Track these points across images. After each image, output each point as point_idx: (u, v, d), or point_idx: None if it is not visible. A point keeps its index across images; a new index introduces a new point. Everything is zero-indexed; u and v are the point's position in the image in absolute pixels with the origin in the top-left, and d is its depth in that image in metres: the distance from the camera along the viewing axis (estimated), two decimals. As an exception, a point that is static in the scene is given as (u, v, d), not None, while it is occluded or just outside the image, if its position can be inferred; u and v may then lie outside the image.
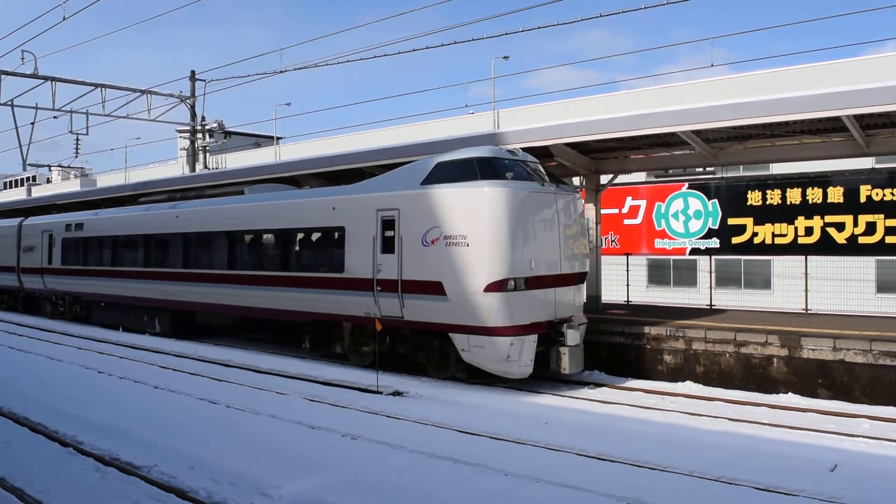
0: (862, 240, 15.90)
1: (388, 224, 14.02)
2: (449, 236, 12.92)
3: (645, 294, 24.12)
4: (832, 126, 13.75)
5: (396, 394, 12.84)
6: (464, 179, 12.99)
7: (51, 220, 27.61)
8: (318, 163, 20.28)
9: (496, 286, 12.50)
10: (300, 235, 16.84)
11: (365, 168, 18.47)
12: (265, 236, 17.96)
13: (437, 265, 13.07)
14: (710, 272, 20.47)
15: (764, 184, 17.37)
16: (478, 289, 12.56)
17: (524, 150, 16.79)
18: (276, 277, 16.80)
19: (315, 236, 16.65)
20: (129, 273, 22.22)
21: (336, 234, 15.35)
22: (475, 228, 12.67)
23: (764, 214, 17.20)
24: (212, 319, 21.21)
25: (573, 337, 13.21)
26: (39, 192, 56.92)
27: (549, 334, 13.17)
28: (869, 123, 13.74)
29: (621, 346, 15.07)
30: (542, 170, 14.04)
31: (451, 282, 12.87)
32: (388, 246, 13.97)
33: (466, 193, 12.88)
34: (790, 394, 12.79)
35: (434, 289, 13.11)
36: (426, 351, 14.14)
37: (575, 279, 14.14)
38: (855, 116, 12.90)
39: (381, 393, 12.84)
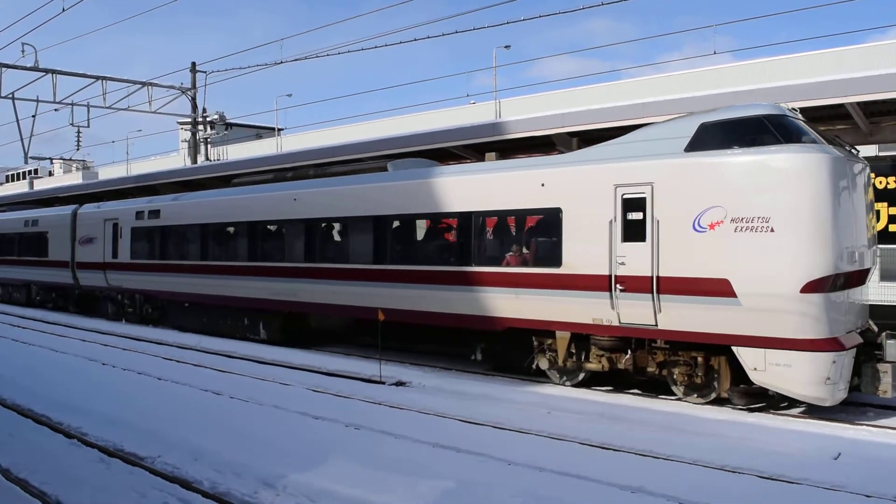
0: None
1: (632, 204, 11.03)
2: (740, 218, 9.98)
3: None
4: (836, 113, 13.70)
5: (399, 384, 12.85)
6: (752, 144, 10.27)
7: (115, 208, 23.87)
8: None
9: (816, 285, 9.67)
10: (488, 220, 13.45)
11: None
12: (430, 222, 14.79)
13: (718, 257, 10.17)
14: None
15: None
16: (790, 288, 9.71)
17: (525, 140, 16.71)
18: (449, 274, 13.61)
19: (511, 222, 13.45)
20: (226, 268, 18.54)
21: (547, 219, 12.36)
22: (785, 208, 9.82)
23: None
24: (326, 323, 17.72)
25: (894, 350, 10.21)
26: (42, 185, 56.93)
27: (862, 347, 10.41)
28: (873, 111, 13.70)
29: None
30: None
31: (744, 279, 9.97)
32: (633, 232, 11.00)
33: (768, 162, 10.05)
34: None
35: (713, 288, 10.18)
36: (683, 368, 11.10)
37: (866, 275, 11.32)
38: (859, 104, 12.87)
39: (384, 383, 12.86)
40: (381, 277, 14.66)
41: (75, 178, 52.96)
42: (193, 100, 32.34)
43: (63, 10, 24.03)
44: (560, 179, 12.09)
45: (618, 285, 11.11)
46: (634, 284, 10.92)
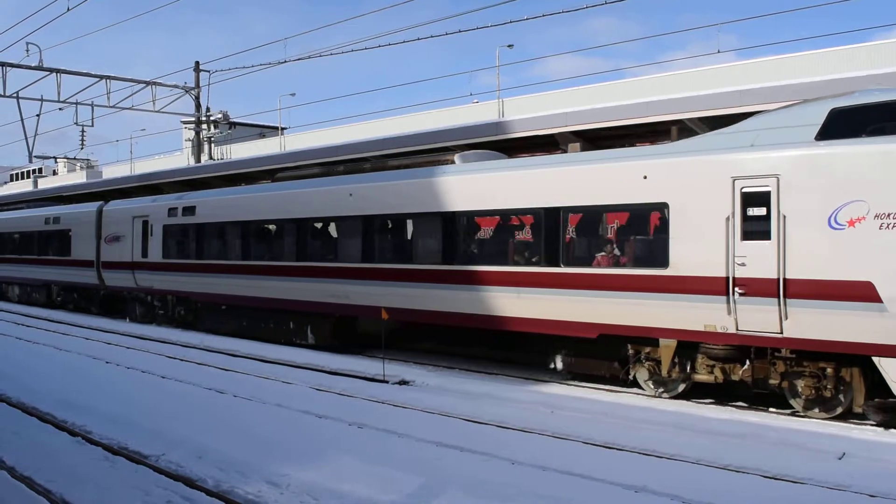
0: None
1: (754, 198, 10.02)
2: (886, 214, 9.00)
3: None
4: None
5: (403, 383, 12.85)
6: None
7: (145, 204, 22.75)
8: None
9: None
10: (577, 217, 12.44)
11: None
12: (509, 219, 13.64)
13: (859, 257, 9.24)
14: None
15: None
16: None
17: (529, 138, 16.70)
18: (529, 275, 12.48)
19: (605, 218, 12.54)
20: (271, 269, 17.39)
21: (650, 215, 11.49)
22: None
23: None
24: (374, 327, 15.93)
25: None
26: (46, 184, 57.05)
27: None
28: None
29: None
30: None
31: (891, 282, 8.98)
32: (755, 230, 10.02)
33: None
34: None
35: (853, 292, 9.20)
36: (810, 380, 10.10)
37: None
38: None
39: (387, 382, 12.86)
40: (450, 279, 13.57)
41: (80, 178, 53.03)
42: (197, 99, 32.40)
43: (68, 9, 24.07)
44: (667, 171, 10.97)
45: (736, 288, 10.05)
46: (756, 288, 9.89)
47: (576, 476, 7.45)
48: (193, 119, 33.01)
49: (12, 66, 26.65)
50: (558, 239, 12.20)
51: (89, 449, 8.72)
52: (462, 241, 13.94)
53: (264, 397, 11.50)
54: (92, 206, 25.28)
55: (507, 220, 13.56)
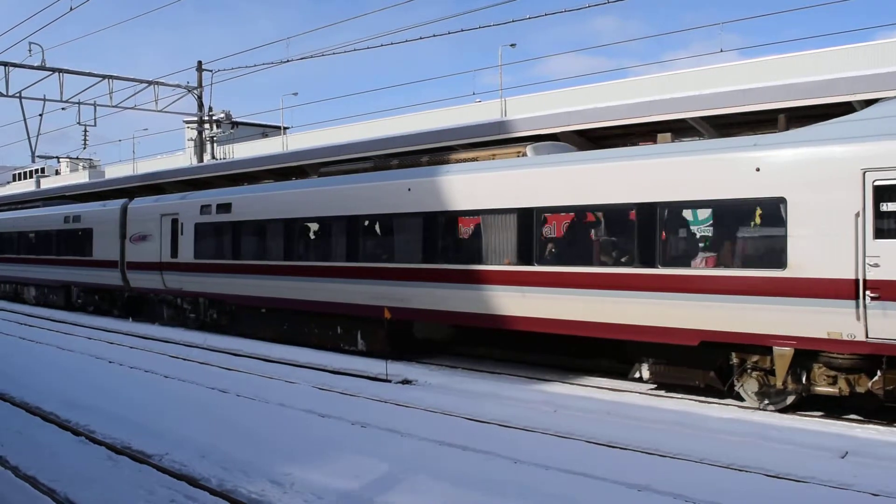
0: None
1: (889, 192, 9.12)
2: None
3: None
4: (843, 112, 13.64)
5: (406, 382, 12.86)
6: None
7: (175, 202, 21.62)
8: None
9: None
10: (676, 212, 11.43)
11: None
12: (597, 215, 12.54)
13: None
14: None
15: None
16: None
17: (532, 137, 16.62)
18: (619, 277, 11.47)
19: (710, 215, 11.43)
20: (317, 270, 16.27)
21: (764, 210, 10.51)
22: None
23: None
24: (434, 332, 15.78)
25: None
26: (48, 183, 57.15)
27: None
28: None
29: None
30: None
31: None
32: (890, 228, 9.19)
33: None
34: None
35: None
36: None
37: None
38: (866, 101, 12.81)
39: (390, 381, 12.87)
40: (525, 281, 12.46)
41: (82, 177, 53.15)
42: (199, 98, 32.42)
43: (70, 9, 24.09)
44: (784, 163, 9.94)
45: (867, 292, 9.12)
46: (892, 291, 8.97)
47: (579, 475, 7.45)
48: (196, 119, 33.05)
49: (15, 65, 26.70)
50: (652, 237, 11.11)
51: (93, 448, 8.74)
52: (541, 240, 12.76)
53: (267, 397, 11.52)
54: (116, 204, 24.24)
55: (594, 216, 12.54)
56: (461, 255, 13.94)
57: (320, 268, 16.17)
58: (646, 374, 11.70)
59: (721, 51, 25.00)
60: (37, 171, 64.59)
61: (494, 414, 10.13)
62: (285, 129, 46.49)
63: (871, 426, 9.66)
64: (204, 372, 14.04)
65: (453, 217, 14.01)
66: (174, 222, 20.75)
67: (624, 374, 12.29)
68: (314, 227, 17.10)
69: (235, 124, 35.91)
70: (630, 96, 19.27)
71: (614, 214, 12.05)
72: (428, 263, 13.96)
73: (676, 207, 11.21)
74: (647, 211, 11.09)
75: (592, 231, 12.70)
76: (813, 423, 9.78)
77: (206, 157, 32.79)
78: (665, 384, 11.78)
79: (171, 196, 23.26)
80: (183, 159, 46.62)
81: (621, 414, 10.26)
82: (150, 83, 29.84)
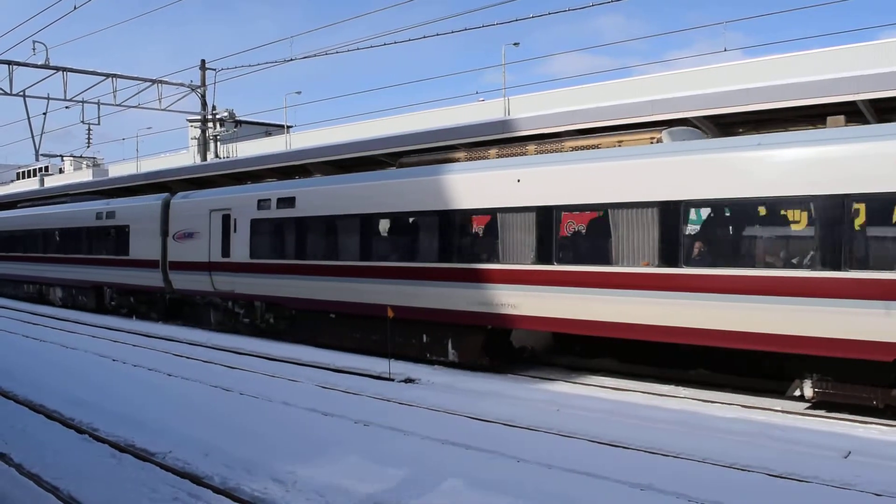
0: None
1: None
2: None
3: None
4: (847, 111, 13.61)
5: (409, 381, 12.87)
6: None
7: (226, 196, 19.93)
8: None
9: None
10: (876, 206, 9.58)
11: None
12: (763, 208, 10.66)
13: None
14: None
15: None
16: None
17: (534, 136, 16.63)
18: (790, 282, 9.84)
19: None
20: (404, 271, 14.58)
21: None
22: None
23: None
24: (531, 341, 14.62)
25: None
26: (52, 182, 57.26)
27: None
28: (885, 108, 13.62)
29: None
30: None
31: None
32: None
33: None
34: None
35: None
36: None
37: None
38: (870, 101, 12.79)
39: (393, 380, 12.88)
40: (671, 285, 10.80)
41: (86, 176, 53.24)
42: (203, 97, 32.48)
43: (74, 7, 24.10)
44: None
45: None
46: None
47: (581, 474, 7.45)
48: (199, 117, 33.09)
49: (19, 64, 26.73)
50: (840, 236, 9.53)
51: (96, 446, 8.77)
52: (688, 237, 11.10)
53: (270, 395, 11.53)
54: (156, 199, 22.37)
55: (766, 210, 10.64)
56: (580, 254, 12.41)
57: (406, 269, 14.58)
58: (808, 392, 10.25)
59: (724, 50, 24.77)
60: (41, 169, 64.73)
61: (498, 413, 10.13)
62: (289, 127, 46.54)
63: (874, 426, 9.64)
64: (207, 370, 14.06)
65: (573, 211, 12.48)
66: (225, 218, 18.99)
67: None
68: (396, 223, 15.57)
69: (239, 123, 35.93)
70: (635, 95, 19.24)
71: (779, 207, 10.43)
72: (542, 265, 12.36)
73: (874, 200, 9.42)
74: (832, 205, 9.48)
75: (760, 228, 10.93)
76: (816, 423, 9.77)
77: (210, 156, 32.84)
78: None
79: (220, 190, 21.52)
80: (186, 158, 46.67)
81: (624, 413, 10.26)
82: (153, 82, 29.87)
